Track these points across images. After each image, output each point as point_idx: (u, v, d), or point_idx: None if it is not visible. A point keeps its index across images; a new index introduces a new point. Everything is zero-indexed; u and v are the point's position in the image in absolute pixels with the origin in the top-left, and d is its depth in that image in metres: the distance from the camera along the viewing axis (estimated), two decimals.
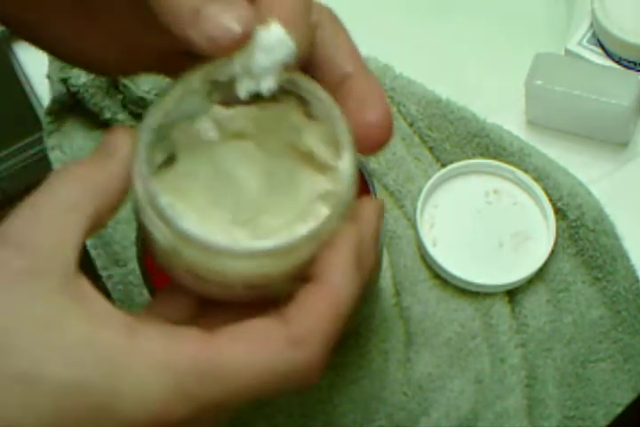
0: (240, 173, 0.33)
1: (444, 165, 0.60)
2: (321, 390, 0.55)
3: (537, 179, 0.58)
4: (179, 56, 0.33)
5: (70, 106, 0.63)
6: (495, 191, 0.59)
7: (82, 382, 0.28)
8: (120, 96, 0.61)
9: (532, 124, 0.63)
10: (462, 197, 0.59)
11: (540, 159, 0.59)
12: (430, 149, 0.61)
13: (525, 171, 0.59)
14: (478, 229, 0.58)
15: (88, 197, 0.31)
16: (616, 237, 0.57)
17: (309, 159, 0.34)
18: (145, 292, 0.55)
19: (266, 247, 0.31)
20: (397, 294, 0.57)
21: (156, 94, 0.60)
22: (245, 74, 0.31)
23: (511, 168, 0.59)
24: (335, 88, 0.33)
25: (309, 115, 0.33)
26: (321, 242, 0.31)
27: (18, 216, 0.30)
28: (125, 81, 0.60)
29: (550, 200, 0.58)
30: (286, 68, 0.31)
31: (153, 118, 0.32)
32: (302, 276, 0.32)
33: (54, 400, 0.28)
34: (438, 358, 0.55)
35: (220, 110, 0.33)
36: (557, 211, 0.58)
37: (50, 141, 0.63)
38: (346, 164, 0.32)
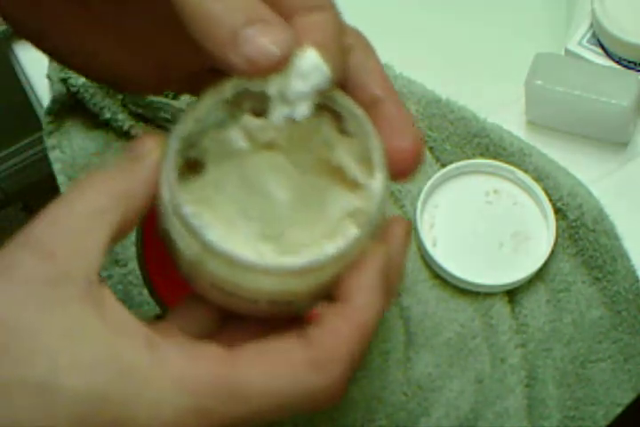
0: (269, 185, 0.33)
1: (443, 165, 0.60)
2: None
3: (537, 179, 0.58)
4: (209, 76, 0.33)
5: (70, 106, 0.63)
6: (495, 191, 0.59)
7: (99, 395, 0.28)
8: (120, 96, 0.61)
9: (532, 124, 0.63)
10: (462, 197, 0.59)
11: (540, 159, 0.59)
12: (430, 148, 0.61)
13: (525, 171, 0.59)
14: (478, 230, 0.58)
15: (114, 202, 0.30)
16: (616, 237, 0.57)
17: (340, 175, 0.33)
18: (145, 292, 0.55)
19: (293, 266, 0.30)
20: (397, 293, 0.57)
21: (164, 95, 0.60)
22: (280, 99, 0.30)
23: (511, 168, 0.59)
24: (365, 111, 0.32)
25: (342, 130, 0.33)
26: (348, 262, 0.31)
27: (41, 221, 0.30)
28: None
29: (550, 200, 0.58)
30: (320, 93, 0.31)
31: (184, 126, 0.31)
32: (327, 294, 0.31)
33: (70, 411, 0.28)
34: (438, 358, 0.55)
35: (250, 120, 0.32)
36: (557, 211, 0.58)
37: (50, 141, 0.63)
38: (377, 183, 0.31)
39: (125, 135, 0.62)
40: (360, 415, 0.54)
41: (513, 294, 0.57)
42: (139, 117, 0.62)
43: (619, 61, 0.62)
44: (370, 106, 0.33)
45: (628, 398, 0.55)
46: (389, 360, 0.55)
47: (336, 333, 0.30)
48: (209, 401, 0.29)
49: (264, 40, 0.29)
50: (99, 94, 0.61)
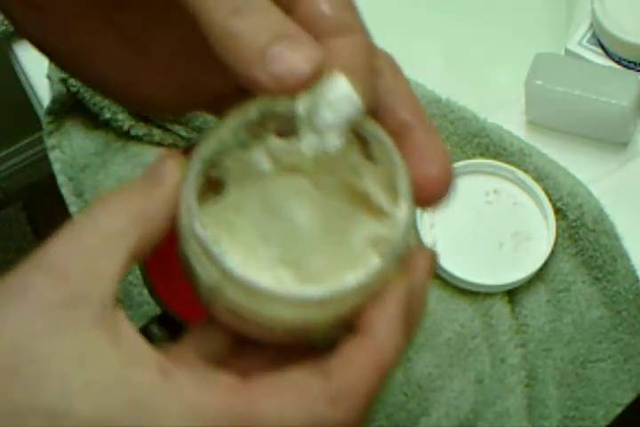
0: (291, 209, 0.32)
1: None
2: None
3: (537, 179, 0.58)
4: (234, 97, 0.32)
5: (70, 106, 0.63)
6: (495, 191, 0.59)
7: (110, 421, 0.27)
8: None
9: (532, 124, 0.63)
10: (462, 197, 0.59)
11: (540, 159, 0.59)
12: None
13: (525, 171, 0.59)
14: (478, 229, 0.58)
15: (132, 224, 0.29)
16: (616, 237, 0.57)
17: (364, 202, 0.32)
18: (145, 292, 0.55)
19: (313, 296, 0.29)
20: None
21: None
22: (308, 123, 0.30)
23: (511, 168, 0.59)
24: (393, 137, 0.31)
25: (369, 156, 0.32)
26: (370, 293, 0.30)
27: (55, 242, 0.29)
28: None
29: (550, 200, 0.58)
30: (351, 123, 0.30)
31: (207, 148, 0.30)
32: (346, 324, 0.31)
33: None
34: (438, 358, 0.55)
35: (275, 142, 0.31)
36: (557, 211, 0.58)
37: (50, 141, 0.63)
38: (403, 212, 0.31)
39: (125, 135, 0.62)
40: None
41: (513, 294, 0.57)
42: (139, 117, 0.62)
43: (619, 61, 0.62)
44: (399, 131, 0.31)
45: (628, 398, 0.55)
46: None
47: (354, 366, 0.29)
48: None
49: (292, 57, 0.28)
50: (99, 94, 0.61)
